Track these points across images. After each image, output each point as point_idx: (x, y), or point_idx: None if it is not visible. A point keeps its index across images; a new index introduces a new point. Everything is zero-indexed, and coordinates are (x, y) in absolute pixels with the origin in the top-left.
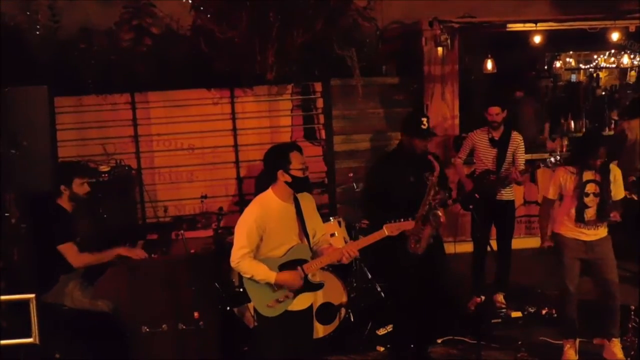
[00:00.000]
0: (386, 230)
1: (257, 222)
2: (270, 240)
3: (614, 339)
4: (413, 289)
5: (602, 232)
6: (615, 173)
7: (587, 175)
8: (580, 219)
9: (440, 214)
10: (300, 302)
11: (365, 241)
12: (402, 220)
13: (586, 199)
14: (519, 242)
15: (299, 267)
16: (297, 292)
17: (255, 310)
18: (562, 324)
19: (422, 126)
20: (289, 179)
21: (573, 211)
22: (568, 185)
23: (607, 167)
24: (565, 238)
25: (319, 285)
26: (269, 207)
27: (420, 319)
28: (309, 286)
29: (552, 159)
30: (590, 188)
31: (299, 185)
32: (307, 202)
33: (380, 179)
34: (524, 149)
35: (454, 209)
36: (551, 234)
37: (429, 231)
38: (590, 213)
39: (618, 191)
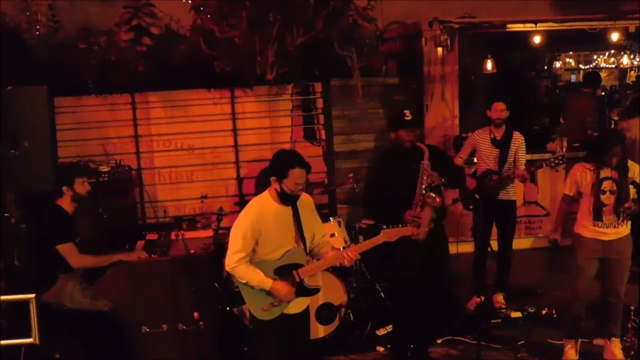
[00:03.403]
0: (383, 236)
1: (252, 225)
2: (266, 243)
3: (614, 338)
4: (415, 288)
5: (623, 230)
6: (635, 170)
7: (604, 172)
8: (597, 217)
9: (434, 195)
10: (296, 306)
11: (363, 246)
12: (400, 226)
13: (603, 197)
14: (519, 242)
15: (294, 272)
16: None
17: (250, 313)
18: (566, 324)
19: (406, 117)
20: (278, 189)
21: (591, 210)
22: (585, 182)
23: (625, 164)
24: (584, 238)
25: (315, 290)
26: (266, 210)
27: (420, 319)
28: (305, 291)
29: (554, 159)
30: (607, 185)
31: (284, 198)
32: (305, 205)
33: (379, 179)
34: (525, 149)
35: (454, 209)
36: (562, 231)
37: (428, 215)
38: (607, 211)
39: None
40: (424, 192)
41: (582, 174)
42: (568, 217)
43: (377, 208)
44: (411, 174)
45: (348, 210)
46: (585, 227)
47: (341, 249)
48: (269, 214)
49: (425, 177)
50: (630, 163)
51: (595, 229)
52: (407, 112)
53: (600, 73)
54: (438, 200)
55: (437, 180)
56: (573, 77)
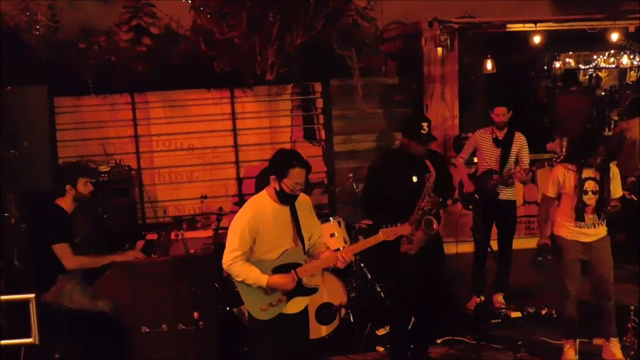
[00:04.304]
0: (382, 235)
1: (250, 224)
2: (263, 242)
3: (612, 339)
4: (412, 289)
5: (601, 231)
6: (614, 171)
7: (587, 172)
8: (579, 218)
9: (433, 220)
10: (295, 306)
11: (361, 245)
12: (398, 224)
13: (585, 197)
14: (519, 242)
15: (292, 271)
16: (290, 297)
17: (248, 313)
18: (562, 325)
19: (422, 131)
20: (278, 188)
21: (572, 211)
22: (567, 183)
23: (607, 165)
24: (565, 240)
25: (313, 290)
26: (263, 209)
27: (419, 319)
28: (303, 291)
29: (556, 159)
30: (589, 185)
31: (283, 197)
32: (303, 204)
33: (382, 178)
34: (527, 149)
35: (454, 209)
36: (550, 234)
37: (420, 236)
38: (589, 211)
39: (616, 189)
40: (420, 212)
41: (564, 174)
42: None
43: (373, 209)
44: (417, 184)
45: (348, 210)
46: (567, 228)
47: (340, 249)
48: (267, 213)
49: (426, 200)
50: (610, 164)
51: (577, 229)
52: (424, 124)
53: (600, 73)
54: (436, 226)
55: (435, 207)
56: None
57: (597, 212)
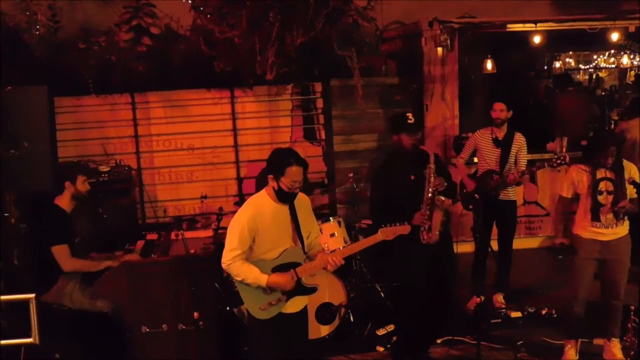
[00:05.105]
0: (381, 235)
1: (249, 223)
2: (263, 242)
3: (613, 339)
4: (418, 288)
5: (621, 231)
6: (631, 169)
7: (600, 173)
8: (596, 218)
9: (443, 198)
10: (294, 305)
11: (360, 245)
12: (397, 224)
13: (600, 197)
14: (519, 242)
15: (292, 271)
16: (290, 296)
17: (248, 312)
18: (566, 325)
19: (409, 121)
20: (276, 187)
21: (588, 211)
22: (581, 184)
23: (621, 165)
24: (583, 239)
25: (313, 289)
26: (263, 208)
27: (423, 319)
28: (302, 290)
29: (556, 159)
30: (603, 186)
31: (282, 196)
32: (303, 204)
33: (383, 185)
34: (526, 150)
35: (454, 209)
36: (565, 232)
37: (438, 218)
38: (605, 211)
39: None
40: (430, 194)
41: (578, 175)
42: (568, 218)
43: (384, 219)
44: (416, 179)
45: (348, 210)
46: (584, 228)
47: (340, 249)
48: (266, 212)
49: (432, 180)
50: (626, 163)
51: (594, 230)
52: (409, 114)
53: (601, 73)
54: (447, 202)
55: (442, 186)
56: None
57: (613, 211)
